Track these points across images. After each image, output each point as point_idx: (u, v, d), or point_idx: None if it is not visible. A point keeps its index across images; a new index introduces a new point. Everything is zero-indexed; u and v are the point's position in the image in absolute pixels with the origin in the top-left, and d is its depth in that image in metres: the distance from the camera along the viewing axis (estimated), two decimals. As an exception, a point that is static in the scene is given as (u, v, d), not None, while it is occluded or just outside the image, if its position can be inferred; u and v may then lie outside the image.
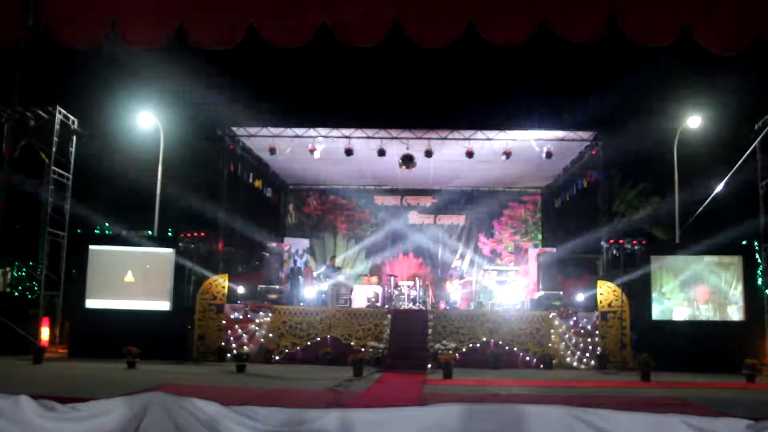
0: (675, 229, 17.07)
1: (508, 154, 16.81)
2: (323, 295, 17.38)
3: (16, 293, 15.92)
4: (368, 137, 16.83)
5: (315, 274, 18.96)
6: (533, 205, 21.94)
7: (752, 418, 5.72)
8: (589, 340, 14.14)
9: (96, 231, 17.25)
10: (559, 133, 16.57)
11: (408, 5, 7.17)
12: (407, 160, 17.03)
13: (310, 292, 17.19)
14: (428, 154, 16.69)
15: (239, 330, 14.44)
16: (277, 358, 14.16)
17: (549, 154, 16.72)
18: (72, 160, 16.27)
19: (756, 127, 14.82)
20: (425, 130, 16.67)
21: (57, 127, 15.54)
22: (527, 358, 14.04)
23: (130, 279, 14.57)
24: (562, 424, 5.40)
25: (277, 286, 15.49)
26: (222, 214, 16.88)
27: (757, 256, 14.89)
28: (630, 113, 18.38)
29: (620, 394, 10.01)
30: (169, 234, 17.08)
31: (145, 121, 17.09)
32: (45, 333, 14.55)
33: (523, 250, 21.05)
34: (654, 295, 14.22)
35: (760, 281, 14.92)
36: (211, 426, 5.48)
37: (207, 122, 18.18)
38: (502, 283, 17.49)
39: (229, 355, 14.01)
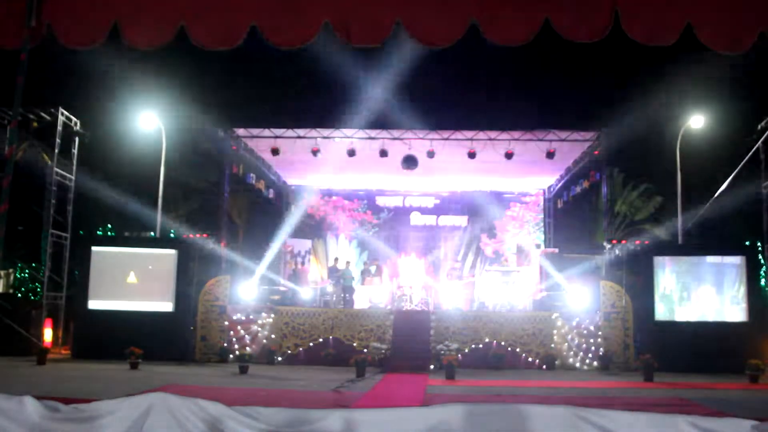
0: (677, 229, 17.03)
1: (510, 155, 16.79)
2: (325, 296, 17.38)
3: (20, 294, 15.94)
4: (370, 138, 16.83)
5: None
6: (535, 205, 21.92)
7: (757, 419, 5.70)
8: (591, 340, 14.12)
9: (98, 232, 17.26)
10: (561, 133, 16.55)
11: (410, 4, 7.16)
12: (409, 161, 17.02)
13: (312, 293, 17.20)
14: (430, 155, 16.69)
15: (242, 331, 14.44)
16: (279, 359, 14.15)
17: (551, 155, 16.70)
18: (74, 162, 16.30)
19: (759, 126, 14.78)
20: (427, 131, 16.67)
21: (59, 128, 15.57)
22: (530, 359, 14.02)
23: (133, 280, 14.58)
24: (566, 424, 5.38)
25: (280, 287, 15.49)
26: (224, 215, 16.89)
27: (760, 256, 14.85)
28: (632, 113, 18.35)
29: (623, 394, 9.98)
30: (172, 235, 17.09)
31: (148, 122, 17.11)
32: (48, 334, 14.58)
33: (526, 250, 21.02)
34: (656, 295, 14.19)
35: (763, 282, 14.88)
36: (215, 426, 5.47)
37: (209, 123, 18.18)
38: (505, 283, 17.46)
39: (231, 356, 14.02)
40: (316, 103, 16.82)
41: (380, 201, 22.02)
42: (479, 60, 15.76)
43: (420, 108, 16.88)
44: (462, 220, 21.83)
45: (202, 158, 21.29)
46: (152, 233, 16.80)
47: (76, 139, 16.27)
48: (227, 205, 16.97)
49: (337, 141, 16.91)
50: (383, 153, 16.77)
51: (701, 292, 14.12)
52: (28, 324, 14.42)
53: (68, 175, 16.12)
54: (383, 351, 13.51)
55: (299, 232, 21.68)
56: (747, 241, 14.92)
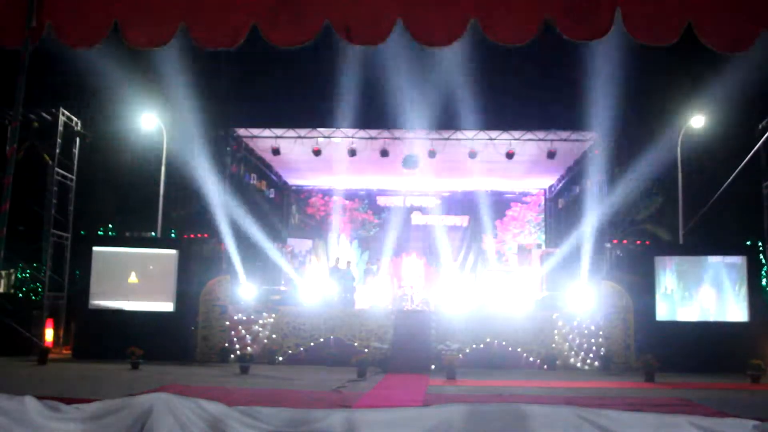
0: (678, 229, 17.01)
1: (510, 155, 16.80)
2: (326, 296, 17.36)
3: (21, 294, 15.94)
4: (371, 138, 16.84)
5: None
6: (536, 205, 21.92)
7: (758, 419, 5.70)
8: (592, 340, 14.11)
9: (99, 232, 17.26)
10: (562, 133, 16.56)
11: (411, 4, 7.17)
12: (410, 161, 17.03)
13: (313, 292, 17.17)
14: (431, 154, 16.70)
15: (243, 331, 14.44)
16: (280, 359, 14.15)
17: (552, 155, 16.70)
18: (75, 162, 16.30)
19: (760, 126, 14.78)
20: (428, 130, 16.67)
21: (60, 128, 15.57)
22: (531, 359, 14.01)
23: (134, 280, 14.59)
24: (568, 424, 5.38)
25: (281, 287, 15.48)
26: (225, 216, 16.89)
27: (761, 256, 14.84)
28: (633, 113, 18.35)
29: (625, 394, 9.98)
30: (173, 235, 17.09)
31: (148, 122, 17.10)
32: (49, 334, 14.58)
33: (527, 250, 21.01)
34: (657, 295, 14.19)
35: (764, 281, 14.86)
36: (216, 426, 5.47)
37: (210, 123, 18.17)
38: (506, 283, 17.45)
39: (232, 356, 14.01)
40: (316, 102, 16.79)
41: (381, 201, 22.04)
42: (479, 59, 15.74)
43: (420, 107, 16.86)
44: (463, 220, 21.84)
45: (203, 158, 21.23)
46: (153, 233, 16.79)
47: (77, 139, 16.27)
48: (228, 205, 16.96)
49: (338, 141, 16.92)
50: (384, 153, 16.78)
51: (702, 292, 14.12)
52: (29, 324, 14.43)
53: (69, 175, 16.12)
54: (384, 351, 13.50)
55: (300, 232, 21.70)
56: (748, 240, 14.90)
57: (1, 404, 5.68)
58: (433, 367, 12.96)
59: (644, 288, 14.29)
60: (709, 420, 5.50)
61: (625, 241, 14.63)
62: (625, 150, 17.78)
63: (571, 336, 14.14)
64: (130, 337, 12.99)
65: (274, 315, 14.49)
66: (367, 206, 21.96)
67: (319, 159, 17.51)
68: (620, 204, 22.64)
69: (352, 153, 16.90)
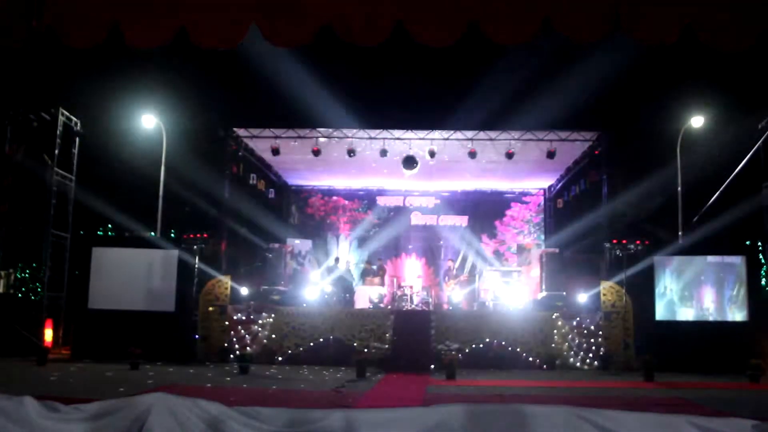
0: (678, 229, 17.01)
1: (510, 155, 16.80)
2: (325, 296, 17.37)
3: (20, 295, 15.94)
4: (370, 138, 16.83)
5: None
6: (536, 205, 21.92)
7: (757, 419, 5.70)
8: (592, 340, 14.12)
9: (99, 232, 17.26)
10: (562, 133, 16.56)
11: (411, 4, 7.16)
12: (410, 161, 17.02)
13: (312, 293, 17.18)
14: (431, 154, 16.69)
15: (242, 331, 14.44)
16: (280, 359, 14.15)
17: (552, 154, 16.70)
18: (75, 162, 16.29)
19: (760, 126, 14.79)
20: (428, 130, 16.67)
21: (60, 128, 15.56)
22: (530, 359, 14.01)
23: (134, 280, 14.56)
24: (567, 424, 5.37)
25: (281, 287, 15.46)
26: (225, 215, 16.90)
27: (761, 256, 14.85)
28: (633, 112, 18.34)
29: (624, 394, 9.99)
30: (172, 235, 17.09)
31: (148, 122, 17.09)
32: (48, 334, 14.57)
33: (527, 250, 21.01)
34: (657, 295, 14.21)
35: (763, 281, 14.88)
36: (215, 426, 5.47)
37: (209, 123, 18.17)
38: (506, 283, 17.46)
39: (232, 356, 14.01)
40: (316, 102, 16.80)
41: (381, 201, 22.03)
42: (479, 58, 15.76)
43: (420, 107, 16.88)
44: (462, 220, 21.83)
45: (203, 158, 21.26)
46: (152, 233, 16.79)
47: (77, 138, 16.25)
48: (228, 205, 16.97)
49: (337, 141, 16.92)
50: (384, 153, 16.78)
51: (701, 292, 14.14)
52: (29, 324, 14.41)
53: (68, 175, 16.11)
54: (384, 351, 13.50)
55: (300, 232, 21.69)
56: (747, 240, 14.91)
57: None
58: (432, 366, 12.95)
59: (644, 288, 14.31)
60: (708, 420, 5.50)
61: (624, 241, 14.60)
62: (624, 150, 17.80)
63: (570, 336, 14.15)
64: (129, 337, 13.01)
65: (273, 315, 14.49)
66: (367, 206, 21.95)
67: (319, 159, 17.50)
68: (620, 204, 22.66)
69: (352, 153, 16.90)
